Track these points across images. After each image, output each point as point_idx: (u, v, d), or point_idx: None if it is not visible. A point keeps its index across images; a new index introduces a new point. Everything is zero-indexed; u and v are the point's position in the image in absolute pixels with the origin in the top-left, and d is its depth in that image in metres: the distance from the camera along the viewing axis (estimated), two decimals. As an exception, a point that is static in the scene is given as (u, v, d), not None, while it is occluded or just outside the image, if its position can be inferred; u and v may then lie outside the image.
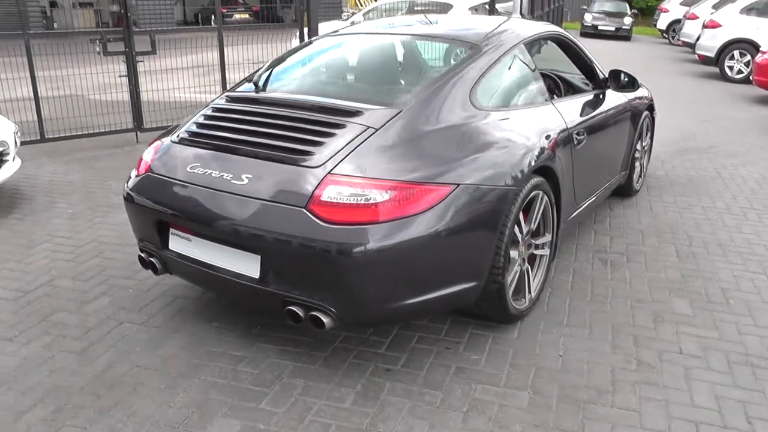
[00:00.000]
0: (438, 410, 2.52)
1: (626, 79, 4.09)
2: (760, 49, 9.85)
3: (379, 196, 2.44)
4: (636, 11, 25.41)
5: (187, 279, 2.98)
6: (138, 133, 6.91)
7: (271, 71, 3.42)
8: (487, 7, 12.79)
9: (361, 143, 2.60)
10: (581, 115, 3.69)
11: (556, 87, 4.15)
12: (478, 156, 2.72)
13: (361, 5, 27.57)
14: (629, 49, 18.65)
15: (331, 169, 2.51)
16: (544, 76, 3.86)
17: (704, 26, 12.85)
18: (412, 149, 2.63)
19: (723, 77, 12.19)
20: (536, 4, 13.10)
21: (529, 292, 3.17)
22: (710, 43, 12.32)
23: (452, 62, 3.11)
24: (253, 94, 3.22)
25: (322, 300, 2.50)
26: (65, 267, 3.78)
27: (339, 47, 3.65)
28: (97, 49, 6.42)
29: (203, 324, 3.14)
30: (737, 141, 7.23)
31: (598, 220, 4.60)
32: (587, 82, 4.32)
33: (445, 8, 12.43)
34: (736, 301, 3.47)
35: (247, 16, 24.02)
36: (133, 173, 3.10)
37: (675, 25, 20.91)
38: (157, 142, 3.10)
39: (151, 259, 2.98)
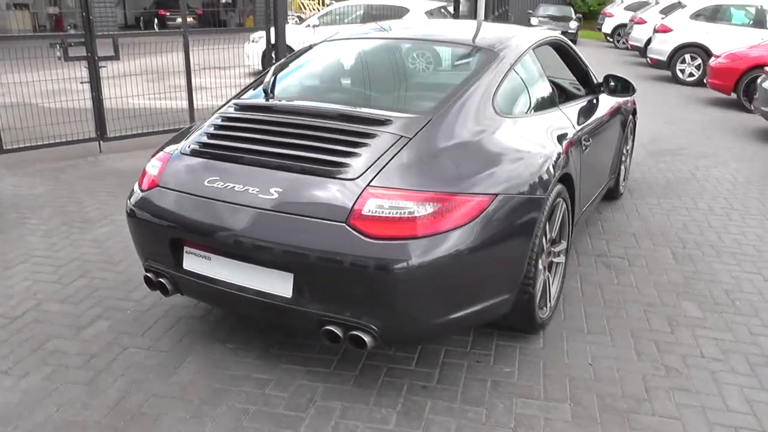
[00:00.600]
0: (485, 427, 2.44)
1: (620, 83, 4.12)
2: (713, 53, 10.21)
3: (421, 208, 2.34)
4: (580, 15, 26.12)
5: (203, 300, 2.81)
6: (101, 142, 6.58)
7: (279, 78, 3.27)
8: (443, 11, 12.86)
9: (396, 153, 2.50)
10: (586, 120, 3.69)
11: (559, 92, 4.15)
12: (510, 165, 2.66)
13: (305, 8, 27.40)
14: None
15: (370, 182, 2.40)
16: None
17: (655, 30, 13.27)
18: (448, 159, 2.55)
19: (675, 80, 12.61)
20: (488, 8, 13.26)
21: (549, 300, 3.13)
22: (662, 47, 12.73)
23: (470, 68, 3.04)
24: (267, 102, 3.07)
25: (363, 318, 2.39)
26: (50, 289, 3.52)
27: (347, 52, 3.53)
28: (58, 54, 6.07)
29: (216, 345, 2.97)
30: (704, 142, 7.46)
31: (590, 224, 4.63)
32: (579, 86, 4.34)
33: (401, 12, 12.42)
34: (741, 302, 3.53)
35: (191, 19, 23.47)
36: (136, 187, 2.91)
37: (620, 29, 21.59)
38: (162, 154, 2.92)
39: (160, 279, 2.80)
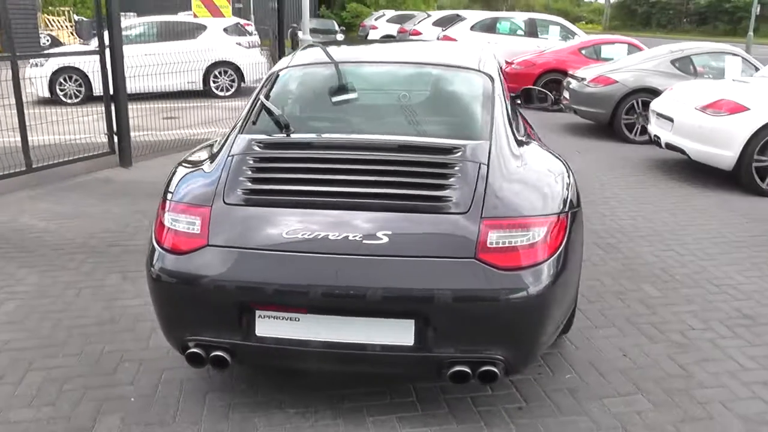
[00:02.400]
0: (606, 434, 2.54)
1: (541, 95, 4.45)
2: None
3: (536, 233, 2.36)
4: (343, 28, 27.25)
5: (283, 365, 2.48)
6: None
7: (283, 110, 2.95)
8: (239, 26, 12.50)
9: (486, 181, 2.46)
10: None
11: None
12: (560, 181, 2.76)
13: (51, 26, 24.51)
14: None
15: (482, 213, 2.34)
16: None
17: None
18: (525, 181, 2.59)
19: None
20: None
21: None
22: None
23: (478, 91, 3.06)
24: (307, 138, 2.76)
25: (490, 351, 2.32)
26: (2, 394, 2.78)
27: (342, 77, 3.31)
28: None
29: (277, 415, 2.62)
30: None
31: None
32: None
33: (198, 29, 11.82)
34: (680, 276, 4.10)
35: None
36: (161, 249, 2.44)
37: (387, 40, 23.03)
38: (190, 207, 2.46)
39: (217, 353, 2.39)
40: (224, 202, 2.44)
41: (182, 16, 11.94)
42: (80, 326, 3.36)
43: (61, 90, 10.62)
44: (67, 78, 10.61)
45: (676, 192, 6.11)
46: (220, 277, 2.32)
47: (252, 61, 11.71)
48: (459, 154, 2.58)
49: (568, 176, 2.75)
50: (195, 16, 7.74)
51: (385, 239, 2.28)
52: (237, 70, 11.70)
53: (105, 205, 5.40)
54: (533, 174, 2.66)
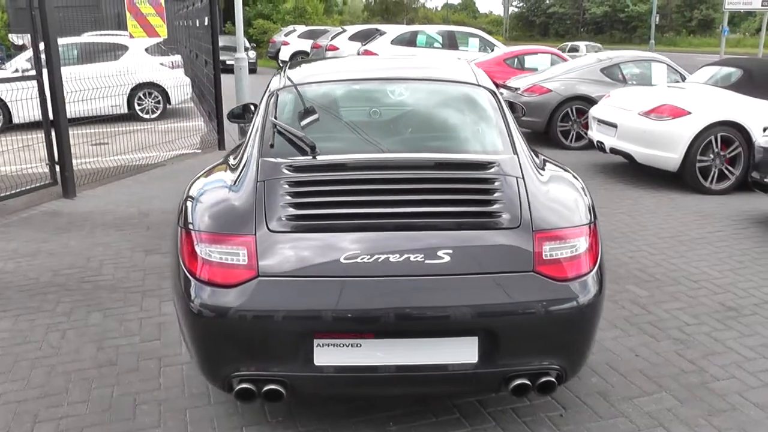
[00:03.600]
0: (652, 433, 2.62)
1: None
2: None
3: (582, 243, 2.42)
4: (254, 44, 26.86)
5: (346, 392, 2.45)
6: None
7: (304, 131, 2.86)
8: (162, 47, 12.11)
9: (527, 194, 2.50)
10: None
11: None
12: (582, 192, 2.83)
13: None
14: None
15: (532, 226, 2.38)
16: None
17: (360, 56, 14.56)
18: (557, 193, 2.64)
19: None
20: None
21: None
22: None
23: (486, 105, 3.11)
24: (339, 160, 2.69)
25: (547, 362, 2.36)
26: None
27: (356, 96, 3.26)
28: None
29: (324, 447, 2.54)
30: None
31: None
32: None
33: (119, 49, 11.34)
34: (659, 275, 4.32)
35: None
36: (199, 283, 2.32)
37: (299, 56, 22.90)
38: (230, 237, 2.35)
39: (271, 387, 2.30)
40: (269, 230, 2.35)
41: (94, 37, 11.39)
42: (77, 371, 3.13)
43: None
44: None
45: (626, 194, 6.43)
46: (278, 308, 2.23)
47: (177, 82, 11.35)
48: (494, 169, 2.61)
49: (584, 186, 2.84)
50: (131, 36, 7.39)
51: (447, 258, 2.27)
52: (162, 91, 11.31)
53: (60, 239, 5.06)
54: (560, 185, 2.73)
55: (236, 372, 2.33)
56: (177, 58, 12.22)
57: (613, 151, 6.90)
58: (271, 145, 2.81)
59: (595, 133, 7.29)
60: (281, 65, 23.71)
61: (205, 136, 9.33)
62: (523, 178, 2.59)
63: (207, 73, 9.86)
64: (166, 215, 5.66)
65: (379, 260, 2.26)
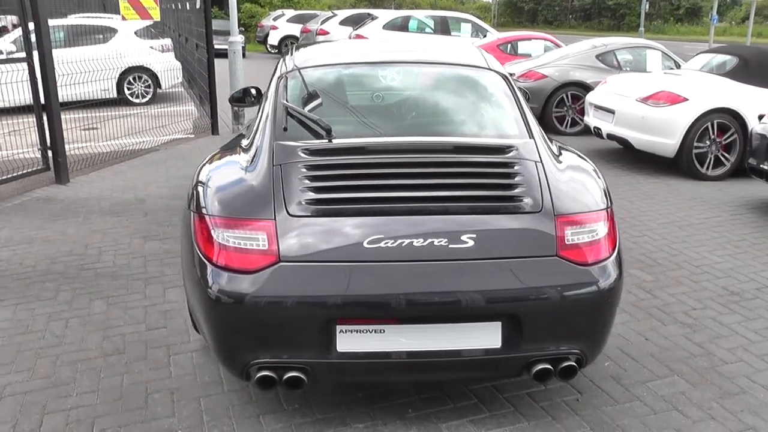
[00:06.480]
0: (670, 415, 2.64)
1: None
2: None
3: (602, 227, 2.42)
4: (242, 28, 26.53)
5: (368, 379, 2.44)
6: None
7: (315, 114, 2.82)
8: (152, 30, 11.94)
9: (546, 178, 2.49)
10: None
11: None
12: (597, 176, 2.82)
13: None
14: (262, 67, 19.36)
15: (554, 210, 2.37)
16: None
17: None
18: (575, 177, 2.62)
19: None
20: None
21: None
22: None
23: (500, 89, 3.08)
24: (353, 143, 2.65)
25: (568, 347, 2.36)
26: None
27: (367, 80, 3.21)
28: None
29: (342, 433, 2.53)
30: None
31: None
32: None
33: (109, 32, 11.15)
34: (661, 260, 4.34)
35: None
36: (213, 268, 2.28)
37: (288, 40, 22.69)
38: (249, 221, 2.31)
39: (292, 374, 2.27)
40: (288, 214, 2.31)
41: (81, 19, 11.17)
42: (83, 360, 3.08)
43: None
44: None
45: (623, 180, 6.45)
46: (301, 294, 2.20)
47: (168, 66, 11.18)
48: (513, 153, 2.60)
49: (597, 169, 2.83)
50: (123, 18, 7.25)
51: (471, 242, 2.25)
52: (152, 75, 11.13)
53: (55, 226, 4.97)
54: (576, 170, 2.71)
55: (256, 359, 2.30)
56: (167, 42, 12.03)
57: (610, 136, 6.91)
58: (285, 129, 2.77)
59: (592, 119, 7.30)
60: (270, 50, 23.68)
61: (198, 121, 9.21)
62: (542, 162, 2.58)
63: (199, 57, 9.72)
64: (164, 201, 5.59)
65: (403, 245, 2.23)
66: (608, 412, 2.68)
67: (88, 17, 11.39)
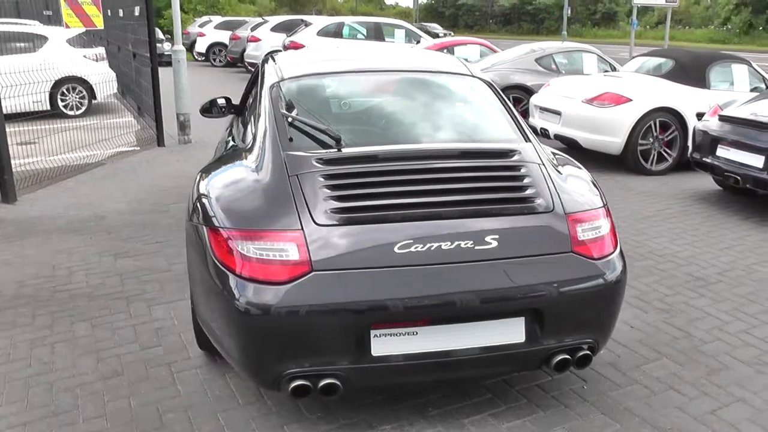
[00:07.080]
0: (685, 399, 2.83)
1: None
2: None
3: (605, 223, 2.58)
4: (168, 35, 25.82)
5: (402, 380, 2.51)
6: None
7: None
8: (84, 37, 11.51)
9: (550, 179, 2.63)
10: None
11: None
12: (589, 175, 3.00)
13: None
14: (195, 76, 18.85)
15: (564, 209, 2.51)
16: None
17: (285, 47, 14.35)
18: (573, 177, 2.78)
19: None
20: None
21: None
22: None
23: (489, 95, 3.21)
24: (366, 151, 2.68)
25: (582, 337, 2.51)
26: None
27: (361, 87, 3.24)
28: None
29: (369, 437, 2.57)
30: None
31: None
32: None
33: (39, 40, 10.65)
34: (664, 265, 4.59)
35: None
36: (240, 281, 2.28)
37: (215, 48, 22.32)
38: (279, 233, 2.32)
39: (328, 381, 2.31)
40: (316, 224, 2.34)
41: (5, 26, 10.63)
42: (81, 385, 2.97)
43: None
44: None
45: (574, 178, 6.75)
46: (335, 301, 2.24)
47: (103, 76, 10.79)
48: (517, 156, 2.72)
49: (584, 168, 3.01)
50: (67, 26, 6.97)
51: (494, 243, 2.36)
52: (87, 86, 10.71)
53: (12, 248, 4.74)
54: (571, 170, 2.88)
55: (289, 369, 2.32)
56: (101, 51, 11.59)
57: (558, 137, 7.22)
58: (290, 139, 2.78)
59: (537, 121, 7.58)
60: (197, 57, 23.11)
61: (140, 133, 8.95)
62: (543, 164, 2.72)
63: (136, 67, 9.44)
64: (125, 216, 5.43)
65: (432, 248, 2.31)
66: (614, 396, 2.84)
67: (13, 23, 10.86)
